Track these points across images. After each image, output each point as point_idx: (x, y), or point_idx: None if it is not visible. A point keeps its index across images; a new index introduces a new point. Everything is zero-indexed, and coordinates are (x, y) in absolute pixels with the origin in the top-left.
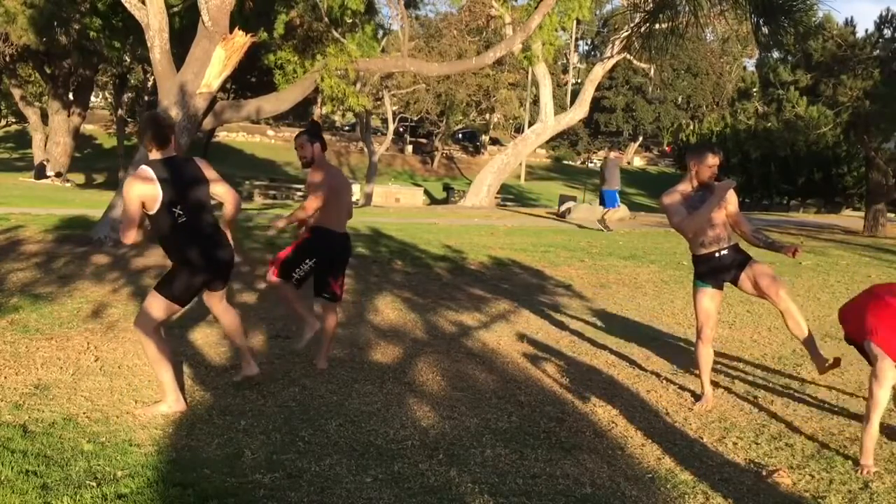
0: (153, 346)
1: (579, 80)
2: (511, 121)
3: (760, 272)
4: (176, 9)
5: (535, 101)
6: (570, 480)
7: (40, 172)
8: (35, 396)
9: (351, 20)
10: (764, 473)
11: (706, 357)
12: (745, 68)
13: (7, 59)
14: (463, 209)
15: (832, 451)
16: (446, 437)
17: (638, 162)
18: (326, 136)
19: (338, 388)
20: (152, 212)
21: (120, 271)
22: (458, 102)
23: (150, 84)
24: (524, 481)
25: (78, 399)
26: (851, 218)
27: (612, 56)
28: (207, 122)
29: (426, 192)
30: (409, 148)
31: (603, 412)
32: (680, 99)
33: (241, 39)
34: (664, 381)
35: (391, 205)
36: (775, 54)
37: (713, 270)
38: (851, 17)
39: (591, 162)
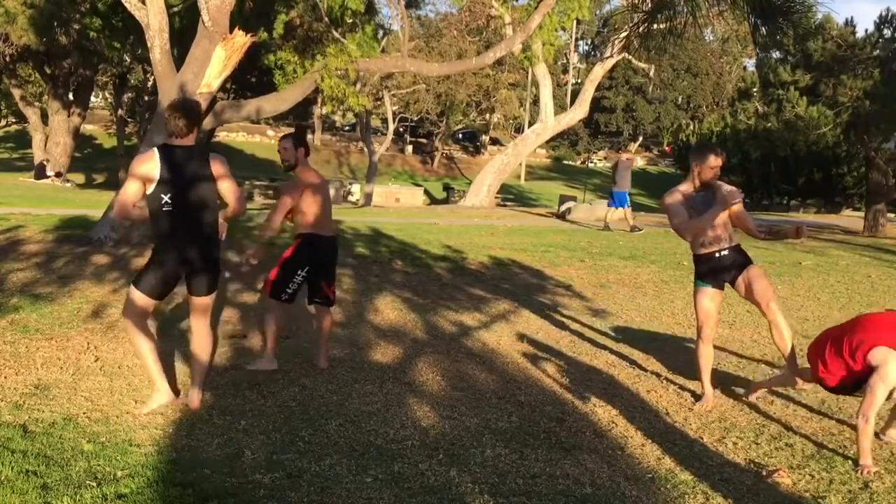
0: (134, 336)
1: (579, 80)
2: (511, 121)
3: (756, 278)
4: (176, 9)
5: (535, 101)
6: (570, 480)
7: (40, 172)
8: (35, 396)
9: (351, 20)
10: (764, 473)
11: (706, 357)
12: (744, 68)
13: (7, 59)
14: (463, 209)
15: (832, 451)
16: (446, 437)
17: (638, 162)
18: (327, 136)
19: (338, 388)
20: (148, 192)
21: (120, 271)
22: (458, 102)
23: (150, 84)
24: (524, 481)
25: (78, 399)
26: (851, 218)
27: (611, 56)
28: (207, 122)
29: (426, 192)
30: (410, 148)
31: (603, 412)
32: (680, 99)
33: (241, 39)
34: (664, 381)
35: (391, 205)
36: (775, 55)
37: (713, 270)
38: (851, 18)
39: (591, 162)
